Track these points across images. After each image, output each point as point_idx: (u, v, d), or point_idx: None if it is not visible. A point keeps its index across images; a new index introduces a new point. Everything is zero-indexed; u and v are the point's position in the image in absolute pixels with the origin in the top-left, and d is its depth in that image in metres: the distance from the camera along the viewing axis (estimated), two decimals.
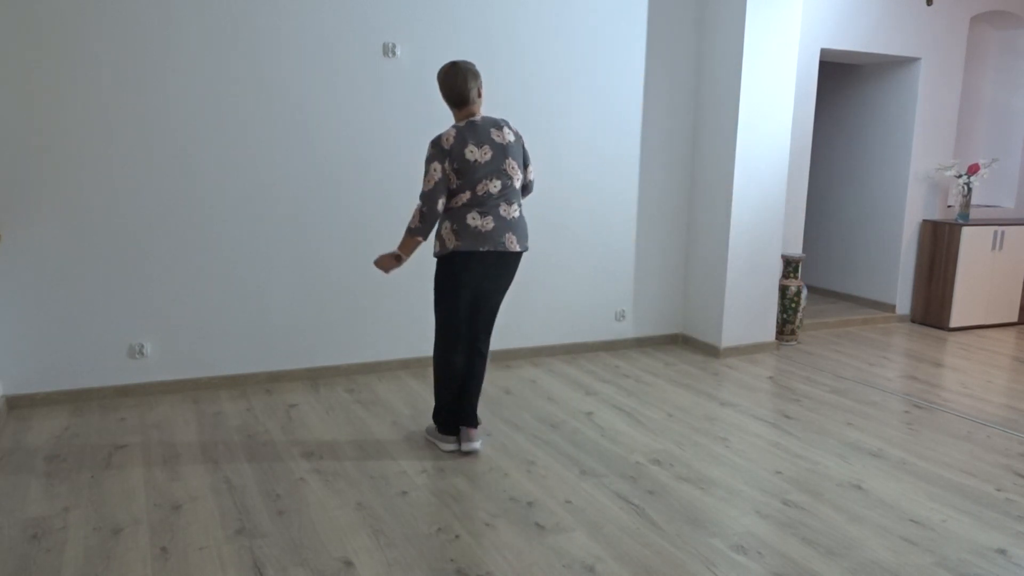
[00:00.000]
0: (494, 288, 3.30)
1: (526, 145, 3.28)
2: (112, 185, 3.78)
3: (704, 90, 5.03)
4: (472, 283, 3.23)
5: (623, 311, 5.12)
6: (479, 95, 3.21)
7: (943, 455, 3.46)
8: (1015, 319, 6.21)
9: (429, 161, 3.12)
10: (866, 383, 4.53)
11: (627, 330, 5.17)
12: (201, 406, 3.86)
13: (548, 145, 4.68)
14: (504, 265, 3.25)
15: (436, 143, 3.12)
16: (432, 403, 3.96)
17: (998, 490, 3.12)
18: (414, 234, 3.16)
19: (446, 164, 3.10)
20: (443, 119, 4.37)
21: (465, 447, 3.33)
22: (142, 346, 3.95)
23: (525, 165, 3.34)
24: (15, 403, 3.76)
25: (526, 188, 3.42)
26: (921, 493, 3.06)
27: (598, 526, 2.72)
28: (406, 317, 4.50)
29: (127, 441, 3.40)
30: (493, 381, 4.37)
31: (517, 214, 3.24)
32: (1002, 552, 2.62)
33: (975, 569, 2.50)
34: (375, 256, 4.33)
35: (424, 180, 3.13)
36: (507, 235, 3.18)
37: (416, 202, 4.19)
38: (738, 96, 4.74)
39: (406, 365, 4.55)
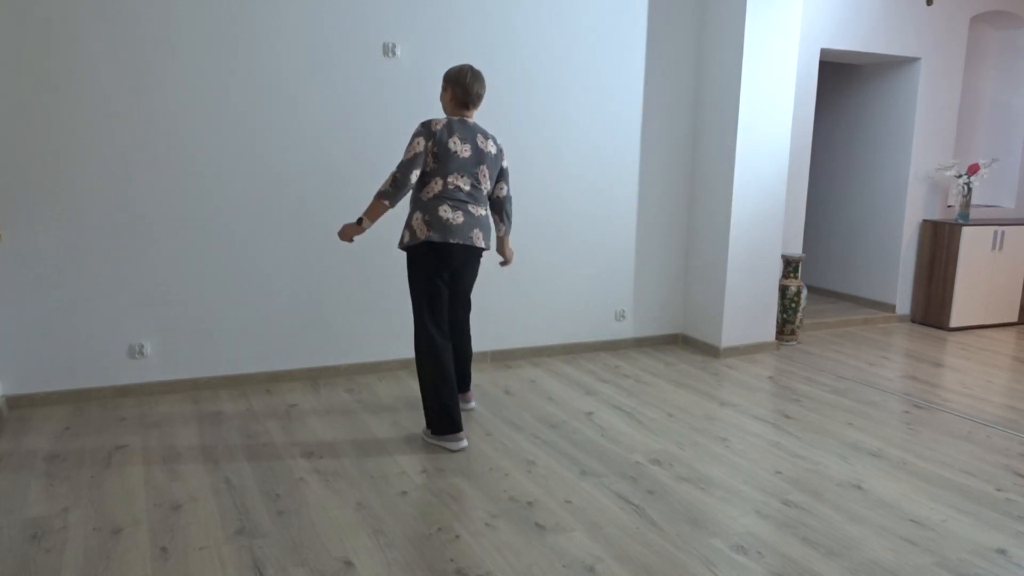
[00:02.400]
0: (461, 280, 3.51)
1: (507, 164, 3.57)
2: (112, 185, 3.78)
3: (704, 90, 5.03)
4: (444, 272, 3.36)
5: (623, 311, 5.13)
6: (478, 105, 3.43)
7: (943, 455, 3.46)
8: (1015, 319, 6.21)
9: (414, 136, 3.26)
10: (866, 383, 4.53)
11: (627, 330, 5.17)
12: (201, 406, 3.86)
13: (548, 145, 4.68)
14: (471, 258, 3.43)
15: (426, 124, 3.28)
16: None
17: (998, 490, 3.12)
18: (382, 198, 3.24)
19: (429, 143, 3.25)
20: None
21: (463, 407, 3.64)
22: (142, 346, 3.96)
23: (498, 179, 3.50)
24: (15, 403, 3.76)
25: (502, 203, 3.55)
26: (921, 493, 3.06)
27: (598, 526, 2.72)
28: (406, 317, 4.50)
29: (127, 441, 3.40)
30: (493, 381, 4.37)
31: (484, 213, 3.40)
32: (1002, 552, 2.62)
33: (975, 569, 2.50)
34: (374, 257, 4.34)
35: (405, 151, 3.27)
36: (475, 231, 3.34)
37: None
38: (738, 96, 4.74)
39: (406, 365, 4.55)
